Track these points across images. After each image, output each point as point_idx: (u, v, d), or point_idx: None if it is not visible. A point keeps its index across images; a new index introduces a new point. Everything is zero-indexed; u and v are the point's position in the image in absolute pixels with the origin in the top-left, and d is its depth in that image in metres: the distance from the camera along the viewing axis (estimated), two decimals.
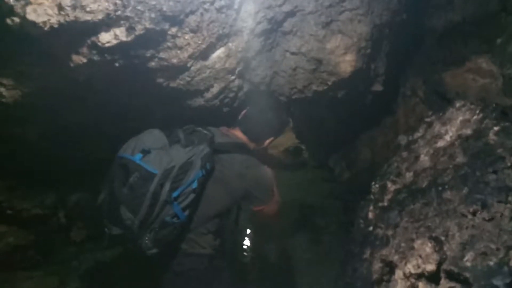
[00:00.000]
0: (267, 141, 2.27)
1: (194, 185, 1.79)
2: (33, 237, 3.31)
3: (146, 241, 1.74)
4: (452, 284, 1.51)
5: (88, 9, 1.67)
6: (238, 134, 2.19)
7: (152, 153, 1.78)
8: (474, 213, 1.56)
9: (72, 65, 1.89)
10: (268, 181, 2.11)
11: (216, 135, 2.07)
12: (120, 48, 1.86)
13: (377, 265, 1.86)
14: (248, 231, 3.19)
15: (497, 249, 1.44)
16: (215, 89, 2.30)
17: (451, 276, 1.52)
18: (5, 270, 3.07)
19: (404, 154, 2.13)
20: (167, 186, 1.71)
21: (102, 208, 1.79)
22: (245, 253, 2.36)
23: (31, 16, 1.59)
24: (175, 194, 1.73)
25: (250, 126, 2.19)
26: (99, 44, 1.81)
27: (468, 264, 1.47)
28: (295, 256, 3.80)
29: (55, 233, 3.43)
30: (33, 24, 1.62)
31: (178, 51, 2.01)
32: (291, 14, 2.31)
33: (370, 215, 2.09)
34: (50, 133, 2.56)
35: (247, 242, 3.13)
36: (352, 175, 3.72)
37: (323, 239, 4.17)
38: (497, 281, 1.36)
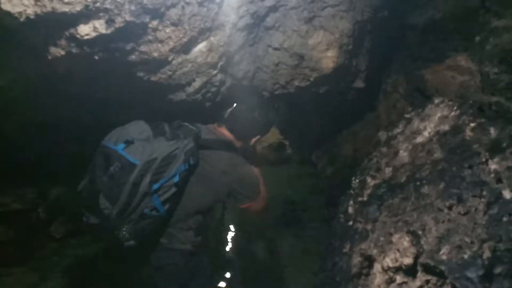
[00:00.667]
0: (254, 139, 2.26)
1: (176, 178, 1.77)
2: (13, 232, 3.26)
3: (124, 232, 1.73)
4: (429, 277, 1.54)
5: (66, 0, 1.64)
6: (224, 132, 2.15)
7: (135, 144, 1.77)
8: (450, 207, 1.59)
9: (50, 57, 1.85)
10: (254, 178, 2.10)
11: (202, 131, 2.05)
12: (100, 40, 1.84)
13: (356, 259, 1.88)
14: (232, 228, 3.19)
15: (472, 242, 1.47)
16: (197, 84, 2.28)
17: (427, 269, 1.55)
18: None
19: (384, 149, 2.16)
20: (147, 178, 1.69)
21: (82, 196, 1.77)
22: (228, 250, 2.35)
23: (6, 6, 1.56)
24: (155, 186, 1.71)
25: (236, 124, 2.15)
26: (78, 36, 1.78)
27: (444, 257, 1.50)
28: (278, 251, 3.82)
29: (36, 229, 3.38)
30: (8, 14, 1.58)
31: (159, 45, 2.00)
32: (273, 9, 2.31)
33: (350, 209, 2.11)
34: (29, 127, 2.52)
35: (230, 239, 3.13)
36: (334, 170, 3.75)
37: (306, 234, 4.20)
38: (471, 273, 1.39)
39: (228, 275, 2.61)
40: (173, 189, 1.78)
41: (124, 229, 1.72)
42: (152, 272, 1.95)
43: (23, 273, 3.18)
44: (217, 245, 2.28)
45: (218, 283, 2.31)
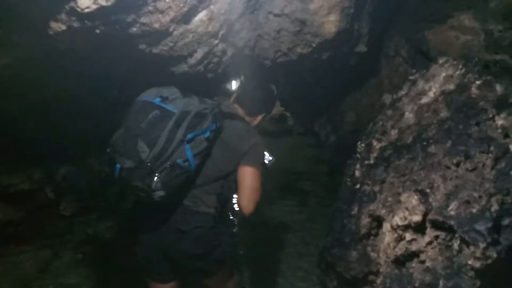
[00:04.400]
0: (260, 117, 2.33)
1: (207, 133, 1.90)
2: (22, 212, 3.30)
3: (156, 180, 1.77)
4: (438, 232, 1.58)
5: None
6: (237, 108, 2.27)
7: (170, 99, 1.89)
8: (457, 164, 1.62)
9: (51, 32, 1.83)
10: (263, 151, 2.15)
11: (221, 103, 2.17)
12: (100, 13, 1.81)
13: (365, 220, 1.92)
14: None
15: (480, 197, 1.50)
16: (198, 54, 2.26)
17: (436, 225, 1.58)
18: None
19: (389, 112, 2.16)
20: (184, 126, 1.81)
21: (116, 143, 1.81)
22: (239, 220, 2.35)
23: None
24: (189, 136, 1.82)
25: (247, 101, 2.27)
26: (78, 9, 1.75)
27: (452, 212, 1.54)
28: (285, 219, 3.89)
29: (45, 208, 3.43)
30: None
31: (160, 15, 1.97)
32: None
33: (357, 173, 2.13)
34: (33, 106, 2.51)
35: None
36: (337, 138, 3.77)
37: (311, 202, 4.27)
38: (479, 226, 1.42)
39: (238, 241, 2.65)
40: (204, 144, 1.90)
41: (156, 176, 1.76)
42: (178, 235, 1.97)
43: (36, 251, 3.24)
44: (231, 214, 2.30)
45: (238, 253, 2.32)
